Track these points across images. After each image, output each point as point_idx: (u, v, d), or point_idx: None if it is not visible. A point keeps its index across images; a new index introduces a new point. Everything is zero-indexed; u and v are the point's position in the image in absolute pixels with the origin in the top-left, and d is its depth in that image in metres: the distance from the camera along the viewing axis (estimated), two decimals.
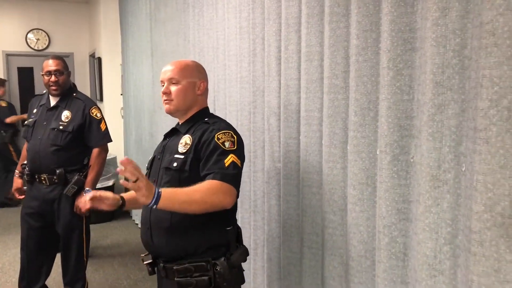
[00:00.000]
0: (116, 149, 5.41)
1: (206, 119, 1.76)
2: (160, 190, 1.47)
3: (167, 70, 1.79)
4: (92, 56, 6.97)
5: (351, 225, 1.58)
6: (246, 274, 2.36)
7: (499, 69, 1.02)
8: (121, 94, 5.90)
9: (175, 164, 1.69)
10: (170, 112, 1.80)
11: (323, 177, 1.73)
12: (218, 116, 1.90)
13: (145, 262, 1.79)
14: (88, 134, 3.02)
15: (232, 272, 1.67)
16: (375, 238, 1.49)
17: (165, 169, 1.72)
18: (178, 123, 1.85)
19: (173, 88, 1.75)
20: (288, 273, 2.02)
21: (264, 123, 2.18)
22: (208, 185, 1.55)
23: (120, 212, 5.69)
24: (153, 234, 1.73)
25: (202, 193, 1.52)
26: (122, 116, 5.91)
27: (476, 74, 1.09)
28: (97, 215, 4.79)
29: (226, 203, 1.56)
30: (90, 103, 3.09)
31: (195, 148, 1.67)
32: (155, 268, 1.79)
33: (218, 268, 1.64)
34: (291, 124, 1.93)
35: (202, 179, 1.59)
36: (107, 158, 3.22)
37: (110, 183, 5.34)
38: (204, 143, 1.65)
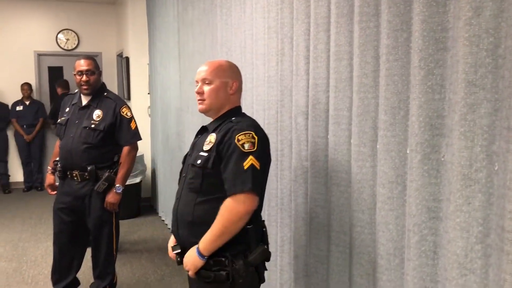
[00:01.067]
0: (143, 147, 5.51)
1: (233, 118, 1.80)
2: (198, 246, 1.71)
3: (201, 70, 1.84)
4: (119, 55, 7.10)
5: (380, 223, 1.59)
6: (272, 271, 2.40)
7: None
8: (148, 93, 6.00)
9: (198, 162, 1.76)
10: (203, 111, 1.86)
11: (352, 176, 1.74)
12: (246, 114, 1.93)
13: (174, 252, 1.87)
14: (119, 132, 3.10)
15: (248, 270, 1.73)
16: (405, 237, 1.50)
17: (191, 165, 1.81)
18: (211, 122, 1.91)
19: (206, 88, 1.81)
20: (315, 270, 2.04)
21: (291, 122, 2.20)
22: (222, 209, 1.67)
23: (147, 208, 5.81)
24: (179, 226, 1.84)
25: (222, 222, 1.67)
26: (149, 115, 6.01)
27: (510, 73, 1.09)
28: (125, 211, 4.89)
29: (242, 211, 1.66)
30: (120, 102, 3.17)
31: (217, 147, 1.73)
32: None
33: (235, 264, 1.70)
34: (319, 123, 1.95)
35: (223, 181, 1.71)
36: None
37: (138, 180, 5.45)
38: (225, 144, 1.71)
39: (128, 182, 3.31)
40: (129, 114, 3.15)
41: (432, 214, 1.37)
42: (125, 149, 3.15)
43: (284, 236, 2.32)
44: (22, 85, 6.98)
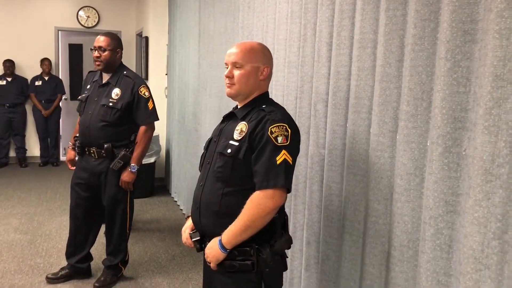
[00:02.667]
0: (159, 128, 5.54)
1: (264, 106, 1.73)
2: (220, 238, 1.67)
3: (232, 53, 1.76)
4: (139, 35, 7.11)
5: (395, 214, 1.59)
6: None
7: None
8: (166, 74, 6.01)
9: (229, 151, 1.70)
10: (231, 96, 1.79)
11: (369, 166, 1.73)
12: (276, 103, 1.86)
13: (193, 239, 1.83)
14: (136, 111, 3.11)
15: (274, 258, 1.70)
16: (420, 229, 1.49)
17: (220, 154, 1.74)
18: (237, 106, 1.85)
19: (236, 72, 1.74)
20: (326, 257, 2.05)
21: (310, 109, 2.19)
22: (250, 203, 1.63)
23: (160, 188, 5.86)
24: (201, 214, 1.78)
25: (249, 216, 1.62)
26: (166, 96, 6.03)
27: None
28: (138, 190, 4.95)
29: (271, 207, 1.62)
30: (139, 81, 3.18)
31: (249, 137, 1.67)
32: (202, 245, 1.82)
33: (261, 254, 1.67)
34: (339, 111, 1.94)
35: (252, 173, 1.66)
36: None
37: (152, 160, 5.49)
38: (257, 135, 1.66)
39: (143, 162, 3.33)
40: (147, 93, 3.16)
41: (449, 207, 1.36)
42: (142, 128, 3.17)
43: (297, 223, 2.33)
44: (43, 60, 7.05)
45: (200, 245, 1.82)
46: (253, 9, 2.92)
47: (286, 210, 2.43)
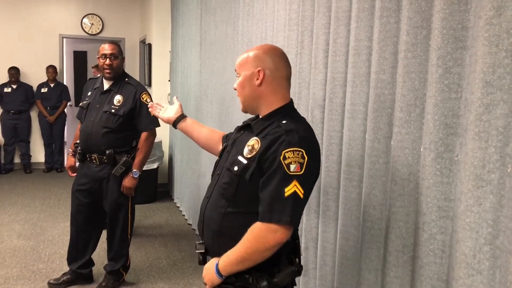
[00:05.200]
0: (162, 134, 5.58)
1: (283, 122, 1.49)
2: (217, 264, 1.51)
3: (236, 64, 1.64)
4: (142, 42, 7.16)
5: (390, 219, 1.59)
6: None
7: None
8: (169, 81, 6.05)
9: (236, 168, 1.52)
10: (243, 111, 1.65)
11: (365, 171, 1.75)
12: (300, 118, 1.62)
13: (197, 251, 1.68)
14: (138, 118, 3.14)
15: None
16: (414, 234, 1.50)
17: (227, 169, 1.58)
18: (258, 116, 1.63)
19: (236, 84, 1.62)
20: (323, 263, 2.06)
21: (308, 115, 2.20)
22: (250, 235, 1.44)
23: (163, 194, 5.89)
24: (204, 228, 1.66)
25: (248, 248, 1.44)
26: (169, 102, 6.07)
27: None
28: (141, 196, 4.97)
29: (275, 243, 1.41)
30: (141, 88, 3.21)
31: (260, 157, 1.46)
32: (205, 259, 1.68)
33: (259, 285, 1.49)
34: (335, 117, 1.95)
35: (258, 198, 1.46)
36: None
37: (155, 165, 5.52)
38: (269, 157, 1.44)
39: (145, 168, 3.37)
40: (148, 100, 3.19)
41: (442, 213, 1.37)
42: (144, 134, 3.20)
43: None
44: (48, 67, 7.12)
45: (203, 259, 1.68)
46: (252, 17, 2.95)
47: None
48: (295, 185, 1.40)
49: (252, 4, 2.97)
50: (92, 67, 6.97)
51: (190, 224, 4.72)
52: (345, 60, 1.88)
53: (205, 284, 1.59)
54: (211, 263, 1.56)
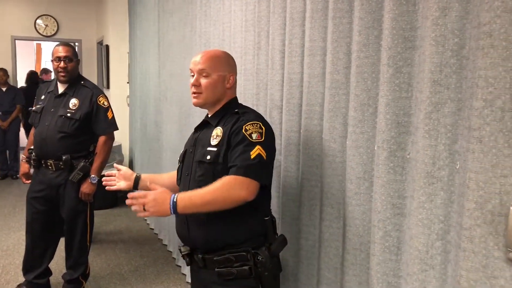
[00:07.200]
0: (121, 137, 5.46)
1: (236, 110, 1.74)
2: (175, 199, 1.55)
3: (198, 61, 1.75)
4: (99, 43, 7.00)
5: (347, 218, 1.61)
6: None
7: (495, 70, 1.04)
8: (128, 82, 5.94)
9: (208, 157, 1.68)
10: (198, 105, 1.79)
11: (323, 171, 1.76)
12: (248, 106, 1.88)
13: (182, 253, 1.78)
14: (95, 122, 3.06)
15: (273, 261, 1.70)
16: (370, 232, 1.52)
17: (199, 162, 1.72)
18: (208, 115, 1.84)
19: (203, 81, 1.74)
20: (285, 263, 2.06)
21: (266, 116, 2.20)
22: (221, 183, 1.57)
23: (124, 199, 5.77)
24: (190, 227, 1.73)
25: (216, 193, 1.56)
26: (128, 104, 5.95)
27: (472, 74, 1.11)
28: (101, 201, 4.85)
29: (242, 196, 1.56)
30: (97, 91, 3.13)
31: (228, 139, 1.66)
32: (193, 259, 1.77)
33: (259, 257, 1.65)
34: (292, 118, 1.96)
35: (228, 170, 1.61)
36: (113, 145, 3.27)
37: (115, 170, 5.39)
38: (233, 133, 1.65)
39: (104, 172, 3.27)
40: (106, 103, 3.12)
41: (396, 210, 1.39)
42: (101, 139, 3.12)
43: None
44: None
45: (190, 259, 1.76)
46: (209, 18, 2.93)
47: None
48: (259, 148, 1.61)
49: (209, 5, 2.94)
50: (40, 74, 6.76)
51: (152, 229, 4.64)
52: (300, 61, 1.89)
53: (140, 208, 1.54)
54: (165, 195, 1.56)
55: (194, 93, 1.75)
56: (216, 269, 1.68)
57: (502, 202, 1.04)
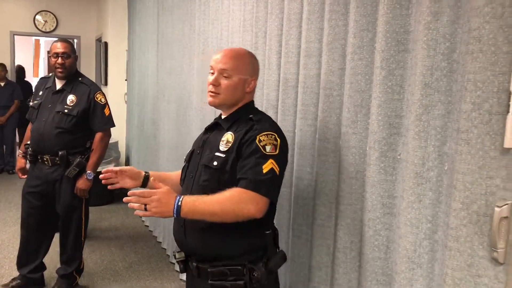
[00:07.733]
0: (118, 134, 5.47)
1: (250, 116, 1.64)
2: (180, 202, 1.47)
3: (220, 59, 1.65)
4: (98, 40, 7.02)
5: (339, 217, 1.64)
6: None
7: (483, 74, 1.06)
8: (126, 80, 5.95)
9: (215, 163, 1.59)
10: (214, 105, 1.70)
11: (316, 170, 1.78)
12: (263, 112, 1.79)
13: (177, 259, 1.70)
14: (92, 118, 3.08)
15: (269, 277, 1.60)
16: (360, 231, 1.55)
17: (205, 166, 1.63)
18: (220, 116, 1.75)
19: (224, 82, 1.64)
20: None
21: None
22: (229, 194, 1.49)
23: (119, 196, 5.77)
24: (187, 233, 1.65)
25: (223, 204, 1.48)
26: (126, 102, 5.97)
27: (462, 77, 1.14)
28: (96, 198, 4.86)
29: (252, 212, 1.48)
30: (95, 88, 3.15)
31: (238, 147, 1.57)
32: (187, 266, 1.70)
33: (255, 273, 1.55)
34: (288, 118, 1.98)
35: (237, 181, 1.53)
36: (109, 142, 3.29)
37: (111, 167, 5.40)
38: (245, 143, 1.56)
39: (100, 169, 3.29)
40: (103, 100, 3.14)
41: (386, 210, 1.42)
42: (98, 135, 3.14)
43: None
44: None
45: (184, 266, 1.69)
46: (208, 16, 2.95)
47: None
48: (272, 162, 1.52)
49: (207, 4, 2.97)
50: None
51: (147, 226, 4.66)
52: (297, 61, 1.92)
53: (140, 209, 1.46)
54: (171, 197, 1.48)
55: (211, 92, 1.66)
56: (209, 281, 1.59)
57: (488, 203, 1.07)
